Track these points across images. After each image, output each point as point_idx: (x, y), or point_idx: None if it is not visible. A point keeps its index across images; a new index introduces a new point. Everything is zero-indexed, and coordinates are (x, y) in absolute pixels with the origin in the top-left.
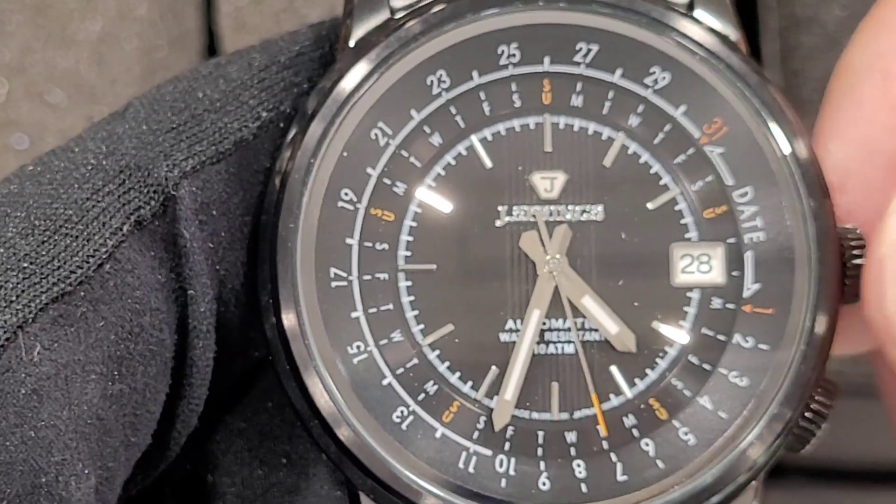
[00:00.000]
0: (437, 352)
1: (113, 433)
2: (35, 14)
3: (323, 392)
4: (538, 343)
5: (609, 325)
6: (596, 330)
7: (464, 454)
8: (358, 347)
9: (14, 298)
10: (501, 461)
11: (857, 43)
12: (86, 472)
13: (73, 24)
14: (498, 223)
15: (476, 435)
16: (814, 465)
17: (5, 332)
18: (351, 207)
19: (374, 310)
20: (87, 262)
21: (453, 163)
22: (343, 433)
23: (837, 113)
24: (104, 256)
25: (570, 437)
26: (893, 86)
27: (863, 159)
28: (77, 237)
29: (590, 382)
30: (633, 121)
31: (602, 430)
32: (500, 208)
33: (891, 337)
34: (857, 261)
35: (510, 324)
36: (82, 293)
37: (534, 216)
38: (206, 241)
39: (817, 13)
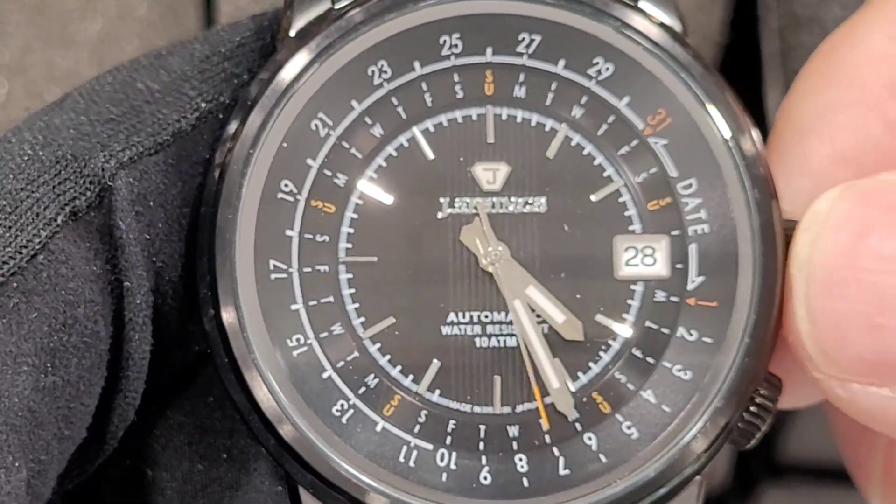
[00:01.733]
0: (379, 345)
1: (45, 426)
2: (35, 14)
3: (262, 386)
4: (480, 336)
5: (555, 314)
6: (540, 322)
7: (404, 448)
8: (298, 340)
9: None
10: (443, 455)
11: (800, 92)
12: (16, 464)
13: (73, 24)
14: (440, 215)
15: (417, 429)
16: (814, 465)
17: None
18: (291, 199)
19: (314, 302)
20: (20, 253)
21: (395, 154)
22: (282, 428)
23: (784, 166)
24: (38, 247)
25: (513, 430)
26: (839, 139)
27: None
28: (10, 227)
29: (531, 376)
30: (577, 112)
31: (544, 423)
32: (442, 200)
33: (804, 353)
34: None
35: (452, 317)
36: (15, 284)
37: (475, 208)
38: (142, 232)
39: (817, 13)
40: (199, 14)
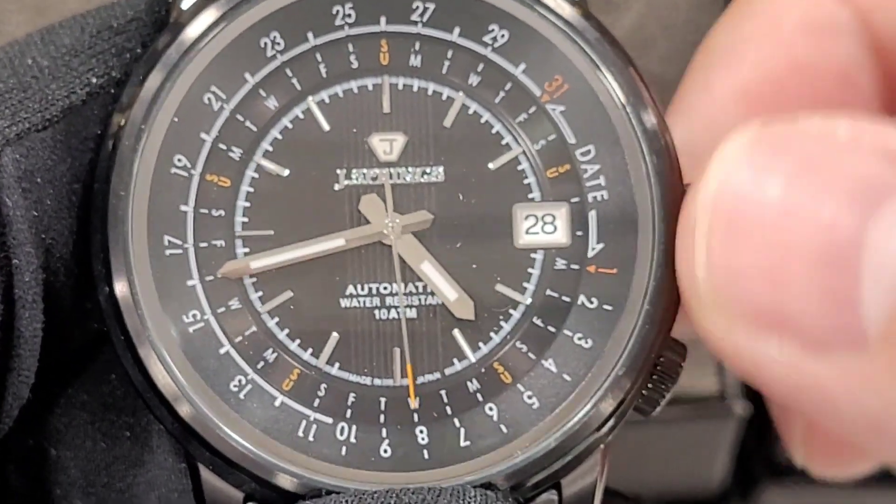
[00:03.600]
0: (277, 319)
1: None
2: (35, 14)
3: (157, 363)
4: (379, 308)
5: (448, 291)
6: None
7: (304, 422)
8: (194, 316)
9: None
10: (342, 429)
11: (720, 26)
12: None
13: None
14: (336, 187)
15: (317, 402)
16: None
17: None
18: (185, 174)
19: (210, 277)
20: None
21: (290, 126)
22: (179, 406)
23: (688, 96)
24: None
25: (413, 403)
26: (744, 72)
27: (707, 144)
28: None
29: (407, 352)
30: (473, 80)
31: (412, 402)
32: (338, 171)
33: (695, 300)
34: None
35: (350, 289)
36: None
37: (374, 179)
38: (29, 209)
39: None
40: None
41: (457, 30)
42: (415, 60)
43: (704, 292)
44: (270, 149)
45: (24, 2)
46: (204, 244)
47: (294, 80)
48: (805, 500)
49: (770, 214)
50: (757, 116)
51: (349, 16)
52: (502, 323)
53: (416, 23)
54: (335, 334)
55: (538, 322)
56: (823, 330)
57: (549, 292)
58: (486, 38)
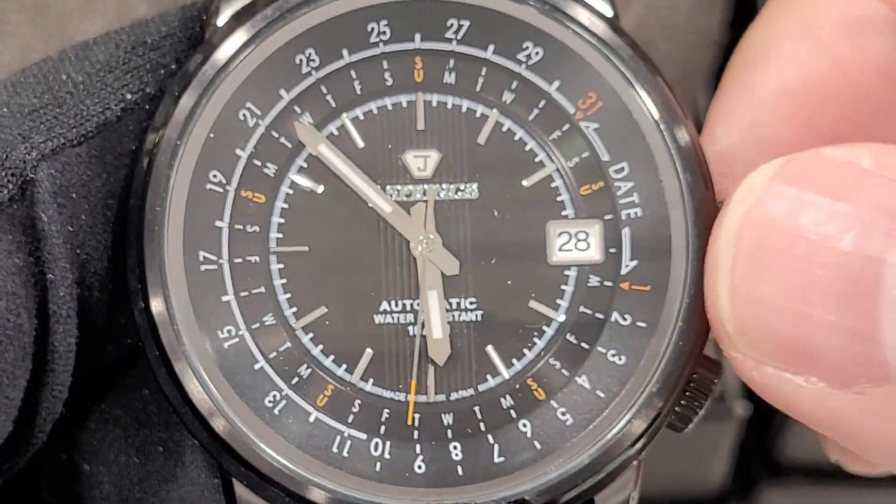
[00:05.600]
0: (311, 335)
1: None
2: (35, 14)
3: (193, 379)
4: (413, 324)
5: (437, 328)
6: (472, 310)
7: (338, 438)
8: (229, 332)
9: None
10: (377, 444)
11: (755, 27)
12: None
13: (73, 24)
14: (371, 203)
15: (351, 418)
16: (814, 465)
17: None
18: (220, 189)
19: (245, 293)
20: None
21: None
22: (214, 421)
23: (728, 97)
24: None
25: (447, 419)
26: (785, 68)
27: (749, 145)
28: None
29: (415, 369)
30: (507, 97)
31: (408, 418)
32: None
33: (722, 332)
34: None
35: (384, 305)
36: None
37: (408, 195)
38: (65, 224)
39: None
40: None
41: (491, 47)
42: (449, 77)
43: (731, 327)
44: (305, 165)
45: (24, 2)
46: (239, 260)
47: (329, 97)
48: (805, 500)
49: (793, 244)
50: (799, 116)
51: (384, 33)
52: (536, 339)
53: (450, 40)
54: (369, 350)
55: (572, 339)
56: (847, 366)
57: (582, 309)
58: (521, 56)
